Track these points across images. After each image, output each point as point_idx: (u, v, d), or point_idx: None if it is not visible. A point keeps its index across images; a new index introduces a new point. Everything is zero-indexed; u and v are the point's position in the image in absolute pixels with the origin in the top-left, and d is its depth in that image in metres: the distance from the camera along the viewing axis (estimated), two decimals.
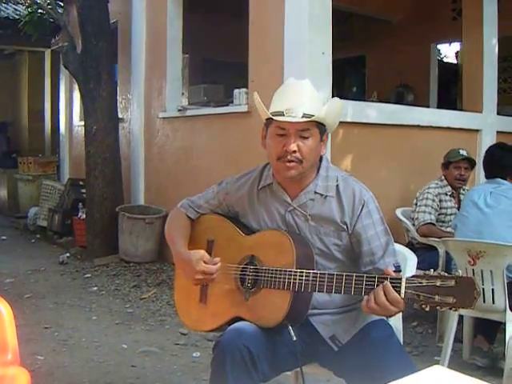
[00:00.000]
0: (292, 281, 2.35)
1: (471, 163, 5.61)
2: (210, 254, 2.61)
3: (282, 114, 2.42)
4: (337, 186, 2.57)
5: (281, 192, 2.60)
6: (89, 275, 7.23)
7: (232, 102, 6.73)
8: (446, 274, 2.09)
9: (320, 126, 2.52)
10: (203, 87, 7.90)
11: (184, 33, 8.02)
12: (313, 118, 2.43)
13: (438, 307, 2.08)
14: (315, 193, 2.56)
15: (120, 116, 8.96)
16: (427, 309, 2.09)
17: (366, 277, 2.24)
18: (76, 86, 9.24)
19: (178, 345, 4.83)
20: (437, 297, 2.06)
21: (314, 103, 2.49)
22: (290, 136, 2.44)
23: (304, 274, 2.34)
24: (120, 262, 7.77)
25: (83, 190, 8.94)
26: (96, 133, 8.02)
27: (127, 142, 9.08)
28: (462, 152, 5.55)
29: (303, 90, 2.53)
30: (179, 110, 7.63)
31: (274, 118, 2.43)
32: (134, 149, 8.88)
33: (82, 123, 8.79)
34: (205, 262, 2.52)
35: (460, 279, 2.07)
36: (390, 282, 2.17)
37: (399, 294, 2.14)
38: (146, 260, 7.75)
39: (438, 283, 2.07)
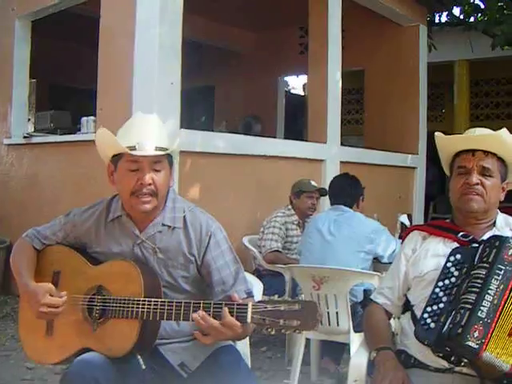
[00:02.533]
0: (140, 309, 2.35)
1: (321, 194, 5.84)
2: (56, 285, 2.57)
3: (133, 148, 2.42)
4: (184, 217, 2.60)
5: (130, 224, 2.60)
6: None
7: (79, 129, 6.64)
8: (290, 299, 2.18)
9: (169, 158, 2.56)
10: (50, 114, 7.71)
11: (32, 57, 7.81)
12: (168, 151, 2.49)
13: (283, 330, 2.15)
14: (163, 225, 2.58)
15: None
16: (273, 332, 2.16)
17: (214, 303, 2.28)
18: None
19: (24, 380, 4.64)
20: (282, 320, 2.14)
21: (164, 136, 2.54)
22: (144, 169, 2.45)
23: (152, 303, 2.35)
24: None
25: None
26: None
27: None
28: (313, 183, 5.80)
29: (152, 123, 2.57)
30: (25, 137, 7.41)
31: (130, 152, 2.42)
32: None
33: None
34: (51, 295, 2.47)
35: (303, 303, 2.16)
36: (237, 308, 2.22)
37: (246, 319, 2.19)
38: None
39: (283, 307, 2.15)
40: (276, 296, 2.21)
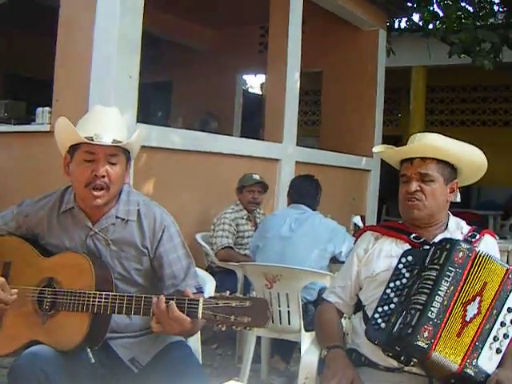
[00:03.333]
0: (91, 303, 2.33)
1: (264, 187, 5.86)
2: (6, 276, 2.52)
3: (91, 138, 2.41)
4: (138, 210, 2.60)
5: (82, 216, 2.58)
6: None
7: (34, 120, 6.54)
8: (241, 296, 2.19)
9: (126, 154, 2.55)
10: (4, 103, 7.57)
11: None
12: (124, 143, 2.47)
13: (234, 327, 2.17)
14: (116, 217, 2.57)
15: None
16: (223, 328, 2.17)
17: (165, 298, 2.27)
18: None
19: None
20: (232, 317, 2.15)
21: (122, 130, 2.54)
22: (99, 161, 2.44)
23: (103, 296, 2.33)
24: None
25: None
26: None
27: None
28: (254, 176, 5.81)
29: (111, 116, 2.57)
30: None
31: (87, 141, 2.40)
32: None
33: None
34: (2, 290, 2.43)
35: (254, 300, 2.17)
36: (188, 303, 2.23)
37: (196, 315, 2.20)
38: None
39: (234, 304, 2.16)
40: (227, 292, 2.22)
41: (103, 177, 2.44)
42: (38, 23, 8.79)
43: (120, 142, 2.46)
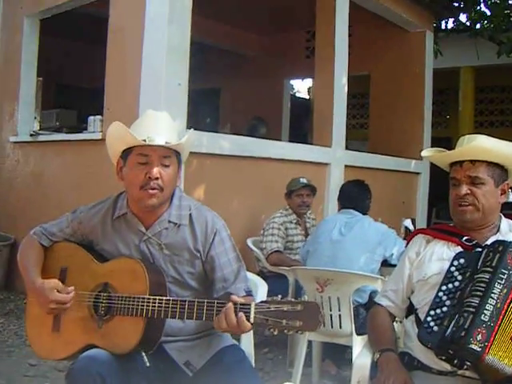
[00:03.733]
0: (145, 308, 2.37)
1: (312, 190, 5.87)
2: (63, 282, 2.58)
3: (144, 141, 2.45)
4: (190, 214, 2.63)
5: (135, 221, 2.62)
6: None
7: (86, 128, 6.66)
8: (293, 300, 2.19)
9: (178, 156, 2.59)
10: (56, 112, 7.73)
11: (39, 56, 7.83)
12: (176, 144, 2.51)
13: (285, 331, 2.17)
14: (169, 222, 2.61)
15: None
16: (275, 332, 2.17)
17: (217, 303, 2.29)
18: None
19: (27, 376, 4.64)
20: (284, 321, 2.15)
21: (173, 133, 2.57)
22: (153, 163, 2.48)
23: (157, 301, 2.37)
24: None
25: None
26: None
27: None
28: (302, 180, 5.81)
29: (162, 120, 2.60)
30: (31, 135, 7.43)
31: (141, 143, 2.45)
32: None
33: None
34: (58, 291, 2.49)
35: (306, 304, 2.17)
36: (240, 308, 2.23)
37: (249, 319, 2.21)
38: None
39: (286, 308, 2.16)
40: (279, 297, 2.23)
41: (157, 179, 2.48)
42: (87, 33, 8.95)
43: (172, 143, 2.51)
